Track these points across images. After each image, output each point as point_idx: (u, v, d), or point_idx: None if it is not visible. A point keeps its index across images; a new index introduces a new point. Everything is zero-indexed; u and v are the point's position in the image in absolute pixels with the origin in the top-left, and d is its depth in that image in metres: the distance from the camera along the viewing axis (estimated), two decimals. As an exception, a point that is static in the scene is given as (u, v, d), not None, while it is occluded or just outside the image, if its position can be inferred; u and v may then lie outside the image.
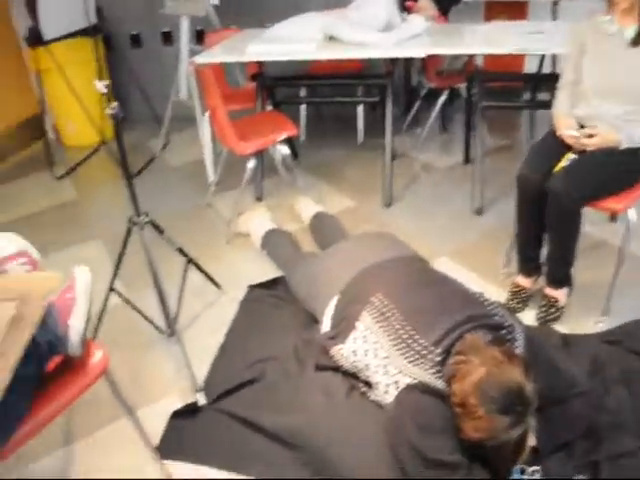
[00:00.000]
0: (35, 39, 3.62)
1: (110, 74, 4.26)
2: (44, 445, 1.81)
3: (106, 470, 1.72)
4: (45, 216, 3.39)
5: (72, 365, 1.43)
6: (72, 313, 1.32)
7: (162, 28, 4.42)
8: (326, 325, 1.95)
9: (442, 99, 3.72)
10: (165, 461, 1.71)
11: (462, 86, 3.60)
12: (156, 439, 1.77)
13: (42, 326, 1.22)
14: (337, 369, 1.88)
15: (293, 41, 2.88)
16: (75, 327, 1.32)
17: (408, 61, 4.16)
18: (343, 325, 1.83)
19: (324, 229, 2.64)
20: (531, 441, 1.41)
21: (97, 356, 1.45)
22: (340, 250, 2.18)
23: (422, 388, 1.55)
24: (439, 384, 1.54)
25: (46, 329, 1.26)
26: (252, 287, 2.45)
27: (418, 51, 2.71)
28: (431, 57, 3.11)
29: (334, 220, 2.69)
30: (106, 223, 3.20)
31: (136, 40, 4.51)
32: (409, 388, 1.57)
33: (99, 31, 4.07)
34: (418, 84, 4.18)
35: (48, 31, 3.45)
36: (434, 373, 1.54)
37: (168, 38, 4.46)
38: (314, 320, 2.12)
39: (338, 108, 4.56)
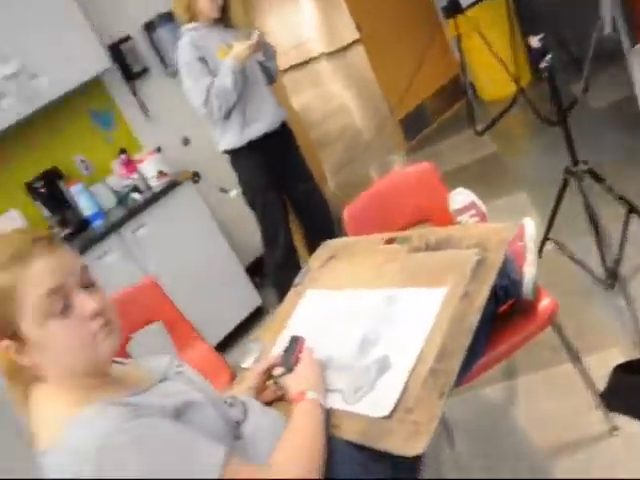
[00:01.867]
0: (452, 9, 3.86)
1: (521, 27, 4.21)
2: (488, 377, 1.96)
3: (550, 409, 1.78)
4: (469, 171, 3.64)
5: (522, 309, 1.51)
6: (525, 260, 1.40)
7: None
8: None
9: None
10: (610, 413, 1.65)
11: None
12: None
13: (500, 271, 1.33)
14: None
15: None
16: (529, 273, 1.39)
17: None
18: None
19: None
20: None
21: (546, 302, 1.50)
22: None
23: None
24: None
25: (503, 274, 1.36)
26: None
27: None
28: None
29: None
30: (527, 173, 3.23)
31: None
32: None
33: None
34: None
35: (464, -1, 3.64)
36: None
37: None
38: None
39: None
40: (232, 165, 2.81)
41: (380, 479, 1.06)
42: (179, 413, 0.94)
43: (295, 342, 1.29)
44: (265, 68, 2.69)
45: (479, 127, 4.09)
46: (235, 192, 2.94)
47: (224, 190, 2.97)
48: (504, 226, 1.35)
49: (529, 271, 1.40)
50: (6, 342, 0.89)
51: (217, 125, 2.67)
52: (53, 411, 0.91)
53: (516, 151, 3.65)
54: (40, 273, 0.86)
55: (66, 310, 0.88)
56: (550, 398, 1.83)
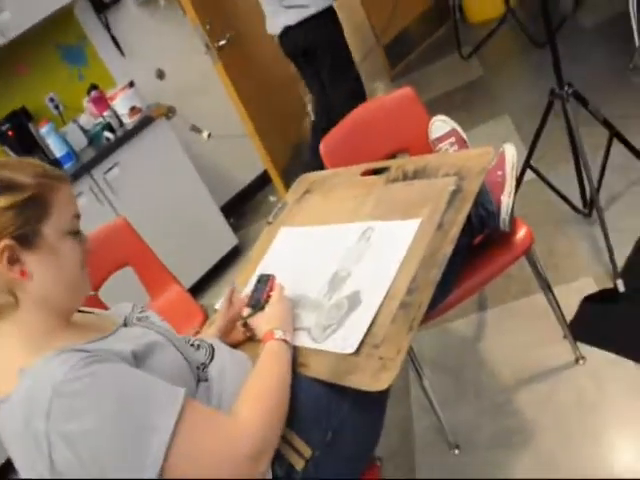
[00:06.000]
0: None
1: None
2: (461, 309, 1.95)
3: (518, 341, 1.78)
4: (454, 96, 3.52)
5: (497, 241, 1.48)
6: (503, 190, 1.34)
7: None
8: None
9: None
10: (578, 343, 1.64)
11: None
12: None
13: (476, 201, 1.28)
14: None
15: None
16: (506, 204, 1.34)
17: None
18: None
19: None
20: None
21: (522, 232, 1.46)
22: None
23: None
24: None
25: (479, 204, 1.31)
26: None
27: None
28: None
29: None
30: (513, 97, 3.13)
31: None
32: None
33: None
34: None
35: None
36: None
37: None
38: None
39: None
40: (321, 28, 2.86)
41: (345, 416, 1.04)
42: (139, 357, 0.90)
43: (265, 280, 1.25)
44: None
45: (466, 51, 3.94)
46: (207, 133, 2.80)
47: (196, 129, 2.83)
48: (483, 152, 1.28)
49: (506, 202, 1.34)
50: (7, 241, 0.84)
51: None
52: (9, 360, 0.87)
53: (503, 75, 3.51)
54: (68, 194, 0.91)
55: (80, 237, 0.93)
56: (519, 330, 1.82)
